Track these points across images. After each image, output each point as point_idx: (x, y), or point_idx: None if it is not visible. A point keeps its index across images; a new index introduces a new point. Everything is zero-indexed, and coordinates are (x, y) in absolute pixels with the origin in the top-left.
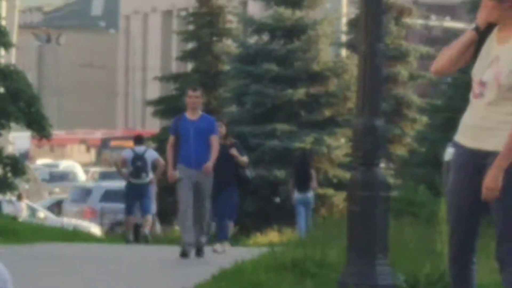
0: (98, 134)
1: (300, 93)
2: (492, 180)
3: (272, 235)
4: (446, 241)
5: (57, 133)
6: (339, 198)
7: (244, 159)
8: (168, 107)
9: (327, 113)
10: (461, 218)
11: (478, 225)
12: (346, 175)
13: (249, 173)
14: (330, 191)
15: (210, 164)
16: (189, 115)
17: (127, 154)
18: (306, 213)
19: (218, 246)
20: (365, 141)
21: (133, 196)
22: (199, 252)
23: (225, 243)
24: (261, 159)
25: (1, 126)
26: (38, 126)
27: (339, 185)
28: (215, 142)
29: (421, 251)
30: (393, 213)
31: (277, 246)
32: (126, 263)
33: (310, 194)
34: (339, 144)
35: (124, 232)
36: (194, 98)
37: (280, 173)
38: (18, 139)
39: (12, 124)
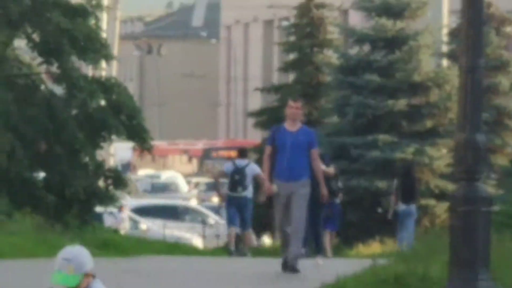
0: (200, 145)
1: (401, 103)
2: None
3: (374, 246)
4: None
5: (159, 144)
6: (441, 209)
7: (331, 170)
8: (270, 118)
9: (429, 123)
10: None
11: None
12: (448, 185)
13: (335, 184)
14: (432, 202)
15: (325, 191)
16: (288, 126)
17: (228, 166)
18: (410, 225)
19: (319, 259)
20: (467, 156)
21: (234, 207)
22: (293, 268)
23: (319, 256)
24: (363, 169)
25: (103, 139)
26: (139, 138)
27: (440, 196)
28: (316, 157)
29: None
30: (494, 226)
31: (379, 257)
32: (227, 278)
33: (414, 206)
34: (441, 155)
35: (227, 244)
36: (295, 109)
37: (382, 184)
38: (120, 149)
39: (114, 136)
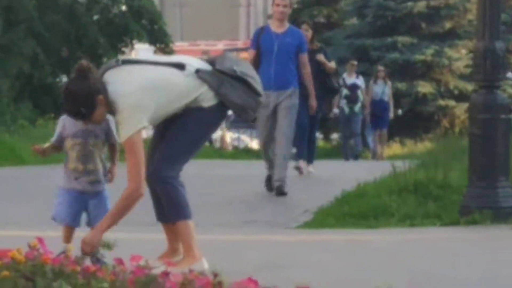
0: (220, 45)
1: (420, 5)
2: (90, 238)
3: (395, 147)
4: None
5: (180, 45)
6: (460, 109)
7: (332, 65)
8: (289, 20)
9: (448, 25)
10: None
11: None
12: (467, 86)
13: (335, 81)
14: (451, 103)
15: (313, 102)
16: (274, 27)
17: None
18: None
19: (310, 167)
20: (486, 64)
21: None
22: (281, 191)
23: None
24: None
25: (124, 43)
26: (161, 42)
27: (460, 96)
28: (306, 63)
29: None
30: None
31: (398, 160)
32: (250, 180)
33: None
34: (460, 56)
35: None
36: (282, 7)
37: (401, 85)
38: (141, 50)
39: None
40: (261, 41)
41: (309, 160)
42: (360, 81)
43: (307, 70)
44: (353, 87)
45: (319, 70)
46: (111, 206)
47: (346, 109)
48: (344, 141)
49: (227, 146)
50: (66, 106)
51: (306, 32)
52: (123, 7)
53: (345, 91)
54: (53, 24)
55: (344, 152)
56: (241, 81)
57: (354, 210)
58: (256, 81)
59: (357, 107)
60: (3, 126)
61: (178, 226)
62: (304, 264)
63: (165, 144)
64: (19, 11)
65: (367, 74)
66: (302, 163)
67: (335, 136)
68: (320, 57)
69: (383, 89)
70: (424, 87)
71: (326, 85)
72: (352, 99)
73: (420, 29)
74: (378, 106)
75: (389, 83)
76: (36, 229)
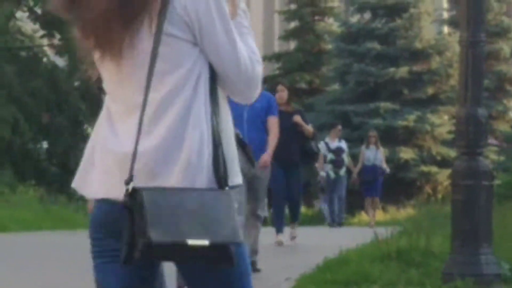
0: None
1: (402, 71)
2: None
3: (377, 213)
4: None
5: None
6: (443, 176)
7: (310, 128)
8: (271, 86)
9: (430, 90)
10: None
11: None
12: (450, 152)
13: (314, 145)
14: (434, 169)
15: (267, 156)
16: None
17: None
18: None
19: (293, 231)
20: (468, 130)
21: None
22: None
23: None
24: (365, 137)
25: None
26: None
27: (443, 162)
28: (274, 125)
29: None
30: (496, 198)
31: (381, 227)
32: None
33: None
34: (442, 122)
35: None
36: None
37: (384, 151)
38: None
39: None
40: (231, 107)
41: (293, 219)
42: (344, 145)
43: (274, 132)
44: (338, 151)
45: (296, 133)
46: None
47: (332, 174)
48: (330, 207)
49: None
50: None
51: (282, 92)
52: None
53: (330, 156)
54: (34, 90)
55: (330, 218)
56: (241, 146)
57: (337, 277)
58: (251, 151)
59: (342, 171)
60: None
61: None
62: None
63: None
64: None
65: (349, 140)
66: (281, 237)
67: (316, 202)
68: (297, 118)
69: (375, 155)
70: (406, 153)
71: (305, 148)
72: (337, 163)
73: (402, 95)
74: (370, 172)
75: (381, 148)
76: None
